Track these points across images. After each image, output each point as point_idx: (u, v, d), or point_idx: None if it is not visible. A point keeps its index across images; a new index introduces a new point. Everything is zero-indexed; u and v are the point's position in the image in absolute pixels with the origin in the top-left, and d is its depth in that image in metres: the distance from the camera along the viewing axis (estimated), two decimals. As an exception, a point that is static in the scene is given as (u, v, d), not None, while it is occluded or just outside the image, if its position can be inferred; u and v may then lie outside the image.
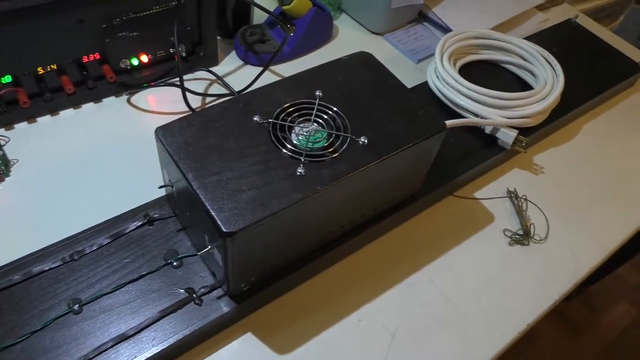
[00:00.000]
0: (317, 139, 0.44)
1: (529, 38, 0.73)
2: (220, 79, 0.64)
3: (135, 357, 0.40)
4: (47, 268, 0.44)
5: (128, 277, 0.44)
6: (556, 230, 0.58)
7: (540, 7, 0.82)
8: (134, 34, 0.58)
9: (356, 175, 0.42)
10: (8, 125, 0.55)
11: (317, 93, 0.47)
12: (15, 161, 0.53)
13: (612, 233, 0.58)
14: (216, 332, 0.45)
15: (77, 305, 0.42)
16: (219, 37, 0.69)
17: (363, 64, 0.50)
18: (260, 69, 0.66)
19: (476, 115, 0.59)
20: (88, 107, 0.60)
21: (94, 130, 0.58)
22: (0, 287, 0.42)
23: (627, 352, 1.27)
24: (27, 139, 0.56)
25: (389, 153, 0.44)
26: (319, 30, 0.70)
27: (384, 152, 0.44)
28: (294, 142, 0.43)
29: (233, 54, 0.68)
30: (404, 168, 0.47)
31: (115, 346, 0.41)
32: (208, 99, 0.62)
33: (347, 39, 0.75)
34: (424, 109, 0.47)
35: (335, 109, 0.46)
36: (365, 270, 0.52)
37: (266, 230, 0.40)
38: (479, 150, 0.60)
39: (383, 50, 0.74)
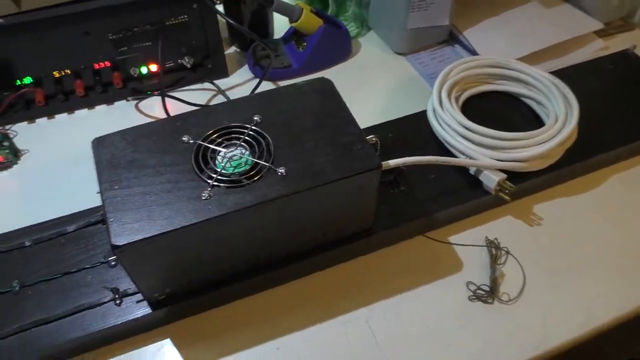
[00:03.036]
0: (240, 164, 0.45)
1: (566, 69, 0.64)
2: (221, 92, 0.66)
3: (51, 343, 0.45)
4: (6, 249, 0.50)
5: (67, 268, 0.49)
6: (533, 292, 0.51)
7: (604, 33, 0.71)
8: (145, 44, 0.63)
9: (261, 205, 0.42)
10: (30, 119, 0.64)
11: (255, 118, 0.47)
12: (26, 151, 0.62)
13: (605, 306, 0.50)
14: (133, 333, 0.48)
15: (17, 287, 0.48)
16: (237, 50, 0.72)
17: (317, 92, 0.49)
18: (269, 83, 0.68)
19: (462, 153, 0.54)
20: (101, 108, 0.66)
21: (102, 130, 0.64)
22: (-37, 260, 0.49)
23: None
24: (42, 133, 0.64)
25: (304, 187, 0.42)
26: (332, 48, 0.69)
27: (299, 186, 0.42)
28: (217, 165, 0.44)
29: (247, 66, 0.71)
30: (332, 204, 0.46)
31: (36, 328, 0.45)
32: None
33: (368, 57, 0.73)
34: (361, 144, 0.45)
35: (264, 135, 0.46)
36: (303, 299, 0.51)
37: (161, 249, 0.41)
38: (461, 191, 0.54)
39: (402, 72, 0.70)
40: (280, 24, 0.73)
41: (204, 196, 0.42)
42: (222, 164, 0.44)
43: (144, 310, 0.47)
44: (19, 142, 0.62)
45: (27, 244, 0.50)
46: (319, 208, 0.46)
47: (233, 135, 0.46)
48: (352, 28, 0.73)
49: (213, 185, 0.42)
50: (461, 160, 0.53)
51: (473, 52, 0.68)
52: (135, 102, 0.66)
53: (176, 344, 0.48)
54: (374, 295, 0.51)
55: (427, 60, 0.70)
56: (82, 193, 0.57)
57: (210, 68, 0.67)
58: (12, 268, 0.49)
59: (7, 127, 0.62)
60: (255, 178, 0.43)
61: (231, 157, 0.45)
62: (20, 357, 0.44)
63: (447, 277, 0.52)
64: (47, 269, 0.49)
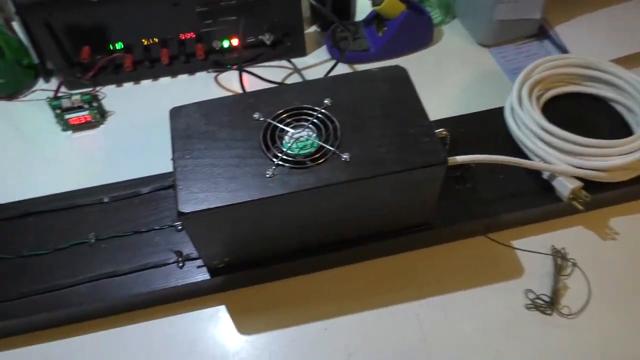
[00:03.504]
0: (306, 146, 0.45)
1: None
2: (297, 70, 0.67)
3: (117, 295, 0.48)
4: (86, 203, 0.54)
5: (139, 227, 0.52)
6: (596, 310, 0.48)
7: None
8: (229, 18, 0.64)
9: (322, 189, 0.42)
10: (118, 83, 0.68)
11: (326, 101, 0.47)
12: (112, 112, 0.66)
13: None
14: (191, 296, 0.51)
15: (93, 239, 0.52)
16: (318, 29, 0.72)
17: (391, 79, 0.48)
18: (345, 66, 0.68)
19: (537, 155, 0.52)
20: (183, 77, 0.69)
21: (183, 99, 0.66)
22: (48, 210, 0.53)
23: None
24: (127, 97, 0.68)
25: (365, 175, 0.42)
26: (413, 34, 0.67)
27: (361, 173, 0.43)
28: (284, 144, 0.45)
29: (325, 47, 0.71)
30: (392, 194, 0.45)
31: (105, 279, 0.49)
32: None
33: (449, 46, 0.70)
34: (429, 137, 0.44)
35: (333, 119, 0.46)
36: (355, 284, 0.51)
37: (221, 219, 0.43)
38: (530, 195, 0.52)
39: (483, 65, 0.68)
40: (363, 6, 0.72)
41: (268, 174, 0.43)
42: (289, 144, 0.45)
43: (203, 275, 0.49)
44: (106, 104, 0.66)
45: (105, 200, 0.54)
46: (379, 197, 0.46)
47: (302, 117, 0.47)
48: (436, 15, 0.71)
49: (277, 164, 0.43)
50: (535, 164, 0.51)
51: (563, 50, 0.64)
52: (215, 74, 0.69)
53: (230, 311, 0.50)
54: (427, 290, 0.51)
55: (511, 54, 0.67)
56: (158, 157, 0.60)
57: (289, 46, 0.68)
58: (90, 221, 0.53)
59: (97, 88, 0.67)
60: (320, 161, 0.43)
61: (298, 138, 0.45)
62: (87, 305, 0.48)
63: (506, 282, 0.51)
64: (120, 226, 0.52)
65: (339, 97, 0.47)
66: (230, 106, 0.48)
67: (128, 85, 0.69)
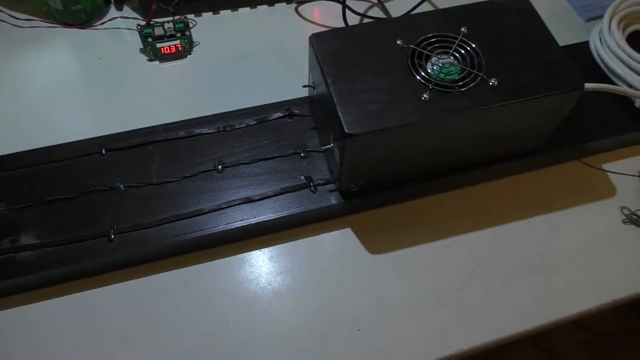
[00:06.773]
0: (450, 72, 0.47)
1: None
2: (380, 3, 0.67)
3: (254, 217, 0.49)
4: (204, 132, 0.54)
5: (263, 155, 0.53)
6: (683, 222, 0.55)
7: None
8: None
9: (476, 112, 0.45)
10: (197, 12, 0.66)
11: (462, 29, 0.49)
12: (197, 43, 0.64)
13: None
14: (321, 219, 0.53)
15: (220, 166, 0.52)
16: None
17: (517, 10, 0.51)
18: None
19: (630, 85, 0.57)
20: (262, 8, 0.68)
21: (262, 29, 0.66)
22: (168, 139, 0.53)
23: None
24: (209, 27, 0.66)
25: (514, 99, 0.45)
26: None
27: (509, 97, 0.45)
28: (428, 70, 0.47)
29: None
30: (528, 119, 0.49)
31: (241, 205, 0.50)
32: (365, 20, 0.67)
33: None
34: (565, 64, 0.47)
35: (475, 46, 0.48)
36: (469, 206, 0.55)
37: (381, 141, 0.45)
38: (622, 122, 0.57)
39: (553, 0, 0.71)
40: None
41: (424, 97, 0.45)
42: (438, 71, 0.47)
43: (337, 198, 0.51)
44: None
45: (223, 129, 0.54)
46: (515, 121, 0.49)
47: (443, 44, 0.48)
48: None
49: (432, 89, 0.45)
50: (635, 92, 0.55)
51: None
52: (295, 5, 0.68)
53: (356, 233, 0.53)
54: (533, 211, 0.55)
55: (579, -8, 0.70)
56: (250, 89, 0.60)
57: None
58: (211, 150, 0.53)
59: (177, 17, 0.64)
60: (469, 86, 0.46)
61: (443, 65, 0.47)
62: (222, 233, 0.49)
63: (601, 201, 0.56)
64: (243, 154, 0.53)
65: (473, 26, 0.49)
66: (369, 33, 0.49)
67: (207, 15, 0.67)
